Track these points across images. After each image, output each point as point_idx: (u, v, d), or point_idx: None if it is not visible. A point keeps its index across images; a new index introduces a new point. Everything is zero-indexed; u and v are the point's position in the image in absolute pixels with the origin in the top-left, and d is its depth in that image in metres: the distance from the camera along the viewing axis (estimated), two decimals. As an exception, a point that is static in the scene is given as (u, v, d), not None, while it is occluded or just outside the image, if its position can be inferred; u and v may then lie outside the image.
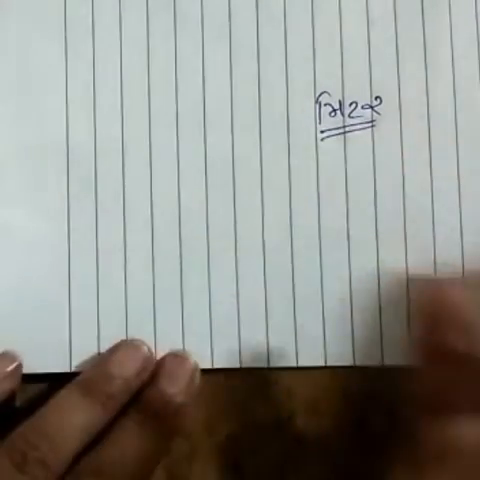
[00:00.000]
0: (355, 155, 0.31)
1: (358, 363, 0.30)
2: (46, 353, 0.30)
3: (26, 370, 0.30)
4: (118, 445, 0.28)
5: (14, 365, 0.29)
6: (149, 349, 0.29)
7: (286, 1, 0.31)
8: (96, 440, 0.27)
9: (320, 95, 0.31)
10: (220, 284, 0.30)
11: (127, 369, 0.28)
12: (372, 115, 0.31)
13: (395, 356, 0.30)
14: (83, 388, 0.28)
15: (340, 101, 0.31)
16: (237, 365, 0.30)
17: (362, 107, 0.31)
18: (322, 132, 0.31)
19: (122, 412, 0.28)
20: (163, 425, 0.28)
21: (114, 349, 0.29)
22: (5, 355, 0.29)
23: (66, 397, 0.28)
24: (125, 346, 0.29)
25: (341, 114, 0.31)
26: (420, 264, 0.30)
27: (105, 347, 0.30)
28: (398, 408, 0.29)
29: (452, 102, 0.31)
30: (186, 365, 0.29)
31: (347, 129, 0.31)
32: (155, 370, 0.29)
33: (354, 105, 0.31)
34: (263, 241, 0.30)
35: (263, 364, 0.30)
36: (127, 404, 0.28)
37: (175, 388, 0.28)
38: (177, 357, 0.29)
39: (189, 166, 0.31)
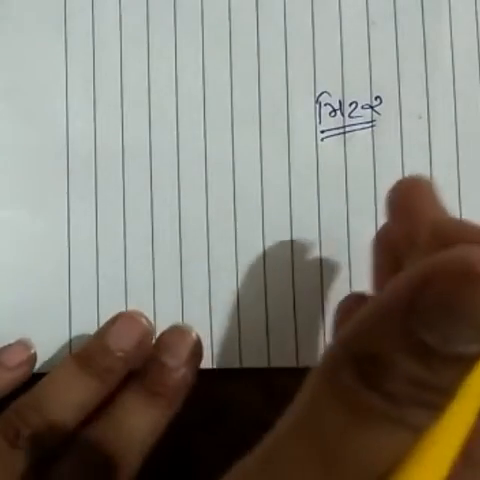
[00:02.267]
0: (355, 155, 0.31)
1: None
2: (46, 353, 0.30)
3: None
4: (117, 418, 0.27)
5: (30, 353, 0.29)
6: (148, 321, 0.28)
7: (286, 1, 0.31)
8: (95, 412, 0.27)
9: (320, 95, 0.31)
10: (220, 284, 0.30)
11: (126, 341, 0.27)
12: (372, 115, 0.31)
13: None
14: (80, 361, 0.27)
15: (340, 101, 0.31)
16: (237, 365, 0.30)
17: (362, 107, 0.31)
18: (322, 132, 0.31)
19: (122, 384, 0.27)
20: (163, 398, 0.27)
21: (112, 321, 0.28)
22: (21, 342, 0.29)
23: (62, 371, 0.27)
24: (123, 318, 0.28)
25: (341, 114, 0.31)
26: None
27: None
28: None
29: (452, 102, 0.31)
30: (187, 338, 0.28)
31: (347, 129, 0.31)
32: (156, 343, 0.28)
33: (354, 105, 0.31)
34: (263, 240, 0.30)
35: (263, 364, 0.30)
36: (127, 376, 0.27)
37: (176, 361, 0.27)
38: (178, 330, 0.28)
39: (189, 166, 0.31)
